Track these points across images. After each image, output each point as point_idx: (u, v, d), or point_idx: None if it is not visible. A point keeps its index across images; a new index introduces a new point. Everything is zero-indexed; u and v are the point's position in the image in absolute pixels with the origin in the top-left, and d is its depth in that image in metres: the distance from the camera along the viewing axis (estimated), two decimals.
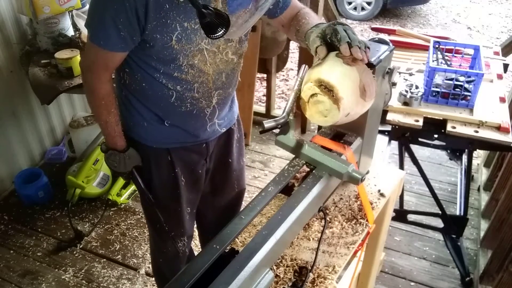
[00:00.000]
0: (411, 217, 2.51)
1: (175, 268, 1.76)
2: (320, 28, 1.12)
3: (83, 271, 2.35)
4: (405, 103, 2.02)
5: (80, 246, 2.49)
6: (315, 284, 1.14)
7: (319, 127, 1.85)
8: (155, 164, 1.48)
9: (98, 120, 1.37)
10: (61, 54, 2.29)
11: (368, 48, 1.07)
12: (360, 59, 1.04)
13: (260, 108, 3.69)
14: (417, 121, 1.95)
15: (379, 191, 1.43)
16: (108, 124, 1.36)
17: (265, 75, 3.48)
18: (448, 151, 2.88)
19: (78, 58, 2.30)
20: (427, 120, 1.97)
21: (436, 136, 1.99)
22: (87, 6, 2.66)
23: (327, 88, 1.01)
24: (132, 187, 2.83)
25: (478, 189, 2.90)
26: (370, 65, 1.10)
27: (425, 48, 2.47)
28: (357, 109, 1.08)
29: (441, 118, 1.96)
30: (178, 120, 1.39)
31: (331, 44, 1.08)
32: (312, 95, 1.04)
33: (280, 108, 3.79)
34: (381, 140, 2.30)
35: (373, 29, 3.88)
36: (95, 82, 1.28)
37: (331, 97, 1.02)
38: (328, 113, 1.04)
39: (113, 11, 1.12)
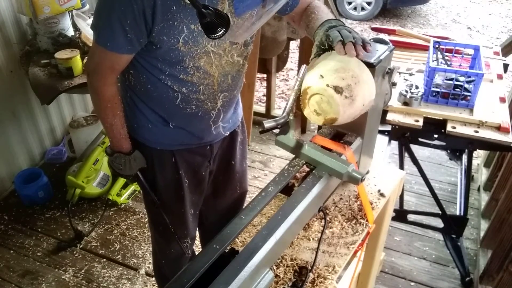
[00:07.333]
0: (411, 217, 2.51)
1: (178, 269, 1.74)
2: (322, 32, 1.13)
3: (83, 271, 2.35)
4: (405, 103, 2.02)
5: (80, 246, 2.49)
6: (315, 284, 1.14)
7: (319, 127, 1.85)
8: (159, 166, 1.47)
9: (103, 123, 1.35)
10: (61, 54, 2.29)
11: (369, 43, 1.07)
12: (354, 56, 1.05)
13: (260, 108, 3.69)
14: (417, 121, 1.95)
15: (379, 191, 1.43)
16: (114, 127, 1.34)
17: (265, 75, 3.48)
18: (448, 151, 2.88)
19: (78, 58, 2.30)
20: (427, 120, 1.97)
21: (436, 136, 1.99)
22: (87, 6, 2.65)
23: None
24: (132, 187, 2.83)
25: (478, 189, 2.90)
26: (370, 65, 1.10)
27: (425, 48, 2.47)
28: (349, 120, 1.10)
29: (441, 118, 1.96)
30: (183, 122, 1.38)
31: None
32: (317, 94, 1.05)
33: (280, 108, 3.79)
34: (381, 140, 2.29)
35: (373, 29, 3.90)
36: (100, 84, 1.26)
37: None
38: (323, 114, 1.06)
39: (120, 12, 1.10)
